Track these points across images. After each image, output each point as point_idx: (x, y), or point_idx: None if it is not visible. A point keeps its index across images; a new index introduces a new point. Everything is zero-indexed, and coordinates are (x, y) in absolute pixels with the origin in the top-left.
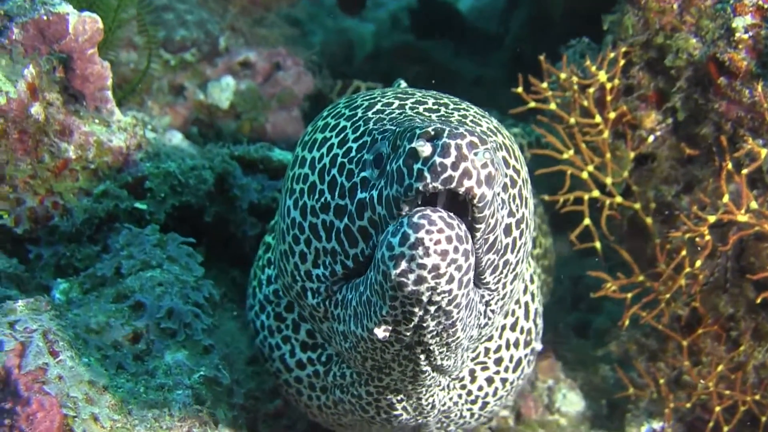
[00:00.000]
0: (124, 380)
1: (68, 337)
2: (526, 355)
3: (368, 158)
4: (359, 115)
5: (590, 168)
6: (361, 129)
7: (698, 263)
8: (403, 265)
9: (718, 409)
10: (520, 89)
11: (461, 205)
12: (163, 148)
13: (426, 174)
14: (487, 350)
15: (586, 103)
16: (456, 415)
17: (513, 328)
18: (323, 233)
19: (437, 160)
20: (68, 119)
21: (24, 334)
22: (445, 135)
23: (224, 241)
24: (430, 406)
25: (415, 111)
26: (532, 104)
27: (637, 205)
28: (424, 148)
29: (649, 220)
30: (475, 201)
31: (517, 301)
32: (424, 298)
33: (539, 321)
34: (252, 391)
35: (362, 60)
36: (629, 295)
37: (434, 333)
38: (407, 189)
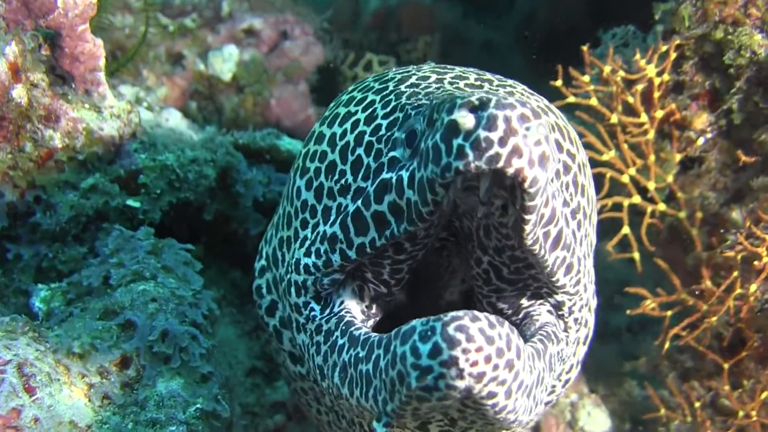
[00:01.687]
0: (111, 413)
1: (47, 368)
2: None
3: (400, 136)
4: (390, 88)
5: (632, 171)
6: (393, 104)
7: (753, 287)
8: (429, 380)
9: None
10: (559, 82)
11: (509, 191)
12: (160, 137)
13: (468, 151)
14: None
15: (631, 99)
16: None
17: None
18: (334, 217)
19: (482, 134)
20: (55, 103)
21: None
22: (491, 105)
23: (225, 239)
24: None
25: (454, 86)
26: (572, 99)
27: (682, 214)
28: (466, 120)
29: (694, 231)
30: (525, 185)
31: None
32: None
33: None
34: (250, 407)
35: (369, 18)
36: (669, 313)
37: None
38: (445, 169)
